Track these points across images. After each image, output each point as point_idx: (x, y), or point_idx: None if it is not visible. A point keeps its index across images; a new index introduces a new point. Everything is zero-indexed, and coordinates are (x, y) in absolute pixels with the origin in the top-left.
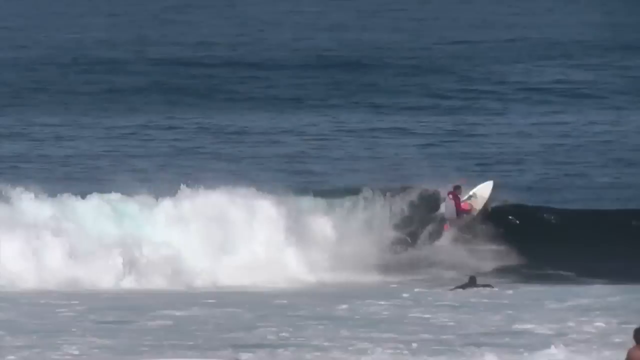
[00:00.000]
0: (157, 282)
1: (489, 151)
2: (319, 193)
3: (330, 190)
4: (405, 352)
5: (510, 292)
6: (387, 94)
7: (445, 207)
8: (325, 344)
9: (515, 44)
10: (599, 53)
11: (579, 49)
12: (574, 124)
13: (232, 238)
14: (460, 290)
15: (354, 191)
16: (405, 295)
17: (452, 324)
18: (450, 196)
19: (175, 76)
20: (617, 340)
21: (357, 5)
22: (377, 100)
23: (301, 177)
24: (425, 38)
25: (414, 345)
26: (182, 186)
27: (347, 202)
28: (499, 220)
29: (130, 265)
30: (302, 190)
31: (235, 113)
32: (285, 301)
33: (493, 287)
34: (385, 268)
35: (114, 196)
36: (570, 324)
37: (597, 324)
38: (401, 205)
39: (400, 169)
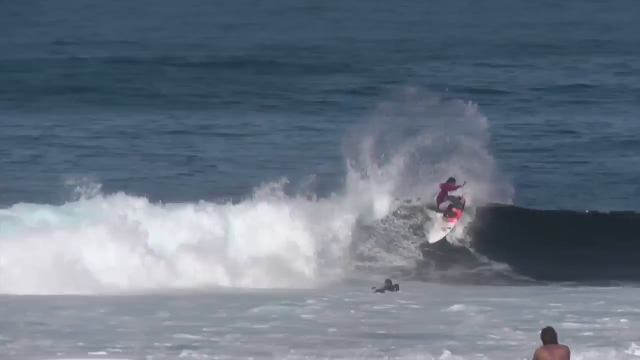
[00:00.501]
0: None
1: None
2: (233, 196)
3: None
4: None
5: (422, 293)
6: (293, 92)
7: None
8: (223, 345)
9: (425, 42)
10: (507, 52)
11: (487, 48)
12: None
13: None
14: (379, 293)
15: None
16: (324, 297)
17: (362, 324)
18: (439, 186)
19: (84, 75)
20: (512, 343)
21: (266, 4)
22: (283, 99)
23: (207, 177)
24: (337, 36)
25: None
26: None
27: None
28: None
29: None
30: (215, 192)
31: (140, 112)
32: (196, 304)
33: (399, 290)
34: (314, 270)
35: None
36: (471, 328)
37: (505, 328)
38: (334, 206)
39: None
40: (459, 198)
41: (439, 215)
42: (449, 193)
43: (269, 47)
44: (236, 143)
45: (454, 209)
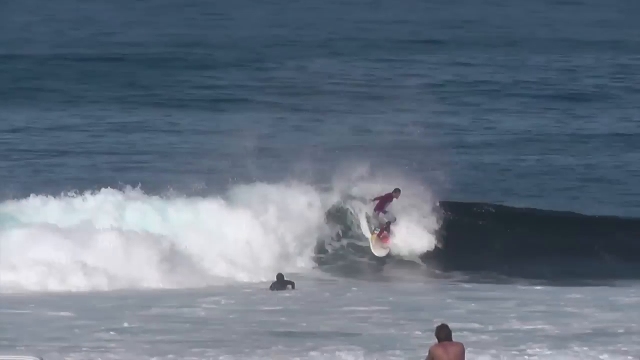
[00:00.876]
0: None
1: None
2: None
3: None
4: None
5: (315, 289)
6: (182, 88)
7: None
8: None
9: (314, 38)
10: (395, 49)
11: (379, 44)
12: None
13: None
14: (277, 291)
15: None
16: (221, 296)
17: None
18: (383, 195)
19: None
20: (414, 341)
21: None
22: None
23: (106, 173)
24: (224, 33)
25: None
26: None
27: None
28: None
29: None
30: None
31: (29, 108)
32: (101, 303)
33: (293, 287)
34: (221, 269)
35: None
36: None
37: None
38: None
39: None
40: (394, 219)
41: (375, 232)
42: (385, 208)
43: (158, 43)
44: (126, 138)
45: (384, 232)
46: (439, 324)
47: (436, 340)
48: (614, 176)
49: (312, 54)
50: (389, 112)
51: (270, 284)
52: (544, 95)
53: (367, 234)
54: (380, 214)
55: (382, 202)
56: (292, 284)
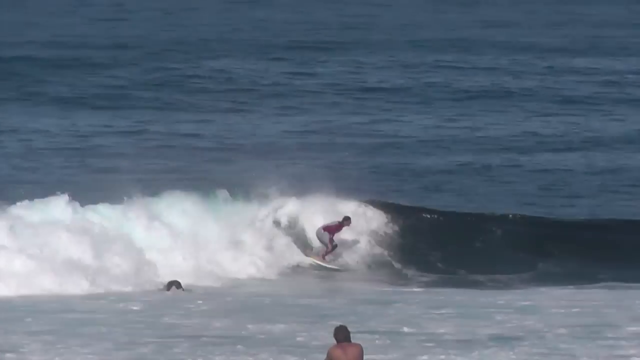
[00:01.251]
0: None
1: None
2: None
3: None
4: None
5: (226, 294)
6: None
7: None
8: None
9: (206, 40)
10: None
11: (277, 45)
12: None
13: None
14: (167, 292)
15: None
16: (131, 301)
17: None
18: (337, 222)
19: None
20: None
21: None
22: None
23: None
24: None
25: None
26: None
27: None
28: None
29: None
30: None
31: None
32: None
33: (180, 287)
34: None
35: None
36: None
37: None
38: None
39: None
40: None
41: (318, 253)
42: (335, 234)
43: (50, 44)
44: (24, 140)
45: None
46: (337, 325)
47: (335, 342)
48: (508, 177)
49: (208, 54)
50: (286, 112)
51: (163, 287)
52: (441, 95)
53: (297, 248)
54: (331, 237)
55: (334, 230)
56: (182, 287)
